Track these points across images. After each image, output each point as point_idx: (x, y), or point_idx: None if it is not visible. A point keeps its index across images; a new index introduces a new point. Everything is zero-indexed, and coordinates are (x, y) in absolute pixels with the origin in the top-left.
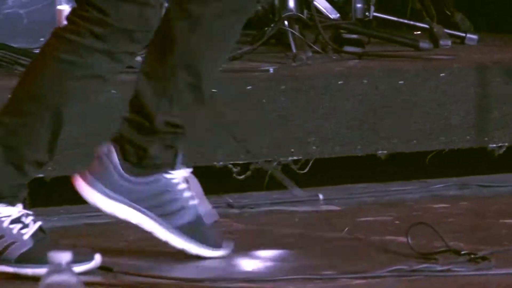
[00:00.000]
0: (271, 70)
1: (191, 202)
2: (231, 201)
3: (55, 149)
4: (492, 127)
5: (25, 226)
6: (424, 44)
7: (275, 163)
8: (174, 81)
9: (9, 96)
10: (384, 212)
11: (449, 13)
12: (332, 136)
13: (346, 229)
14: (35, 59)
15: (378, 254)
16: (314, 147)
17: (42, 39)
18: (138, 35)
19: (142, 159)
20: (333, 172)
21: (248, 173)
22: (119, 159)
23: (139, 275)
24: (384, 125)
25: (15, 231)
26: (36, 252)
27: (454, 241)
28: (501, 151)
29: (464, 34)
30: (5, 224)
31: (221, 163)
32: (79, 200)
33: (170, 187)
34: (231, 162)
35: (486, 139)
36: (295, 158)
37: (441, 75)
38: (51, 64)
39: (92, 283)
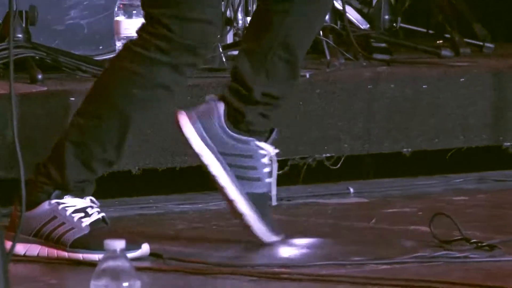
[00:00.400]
0: (308, 75)
1: (267, 180)
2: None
3: (123, 151)
4: (506, 127)
5: (87, 215)
6: (446, 52)
7: (310, 159)
8: (270, 56)
9: (84, 99)
10: (409, 204)
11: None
12: (362, 135)
13: (374, 219)
14: (107, 68)
15: (402, 242)
16: (345, 145)
17: (101, 47)
18: (199, 50)
19: (239, 123)
20: (363, 167)
21: (286, 168)
22: (223, 112)
23: (187, 261)
24: (409, 125)
25: (75, 219)
26: (90, 239)
27: (472, 230)
28: None
29: (482, 43)
30: (68, 212)
31: None
32: (132, 193)
33: (255, 154)
34: None
35: (501, 138)
36: (328, 155)
37: (461, 80)
38: (120, 73)
39: (144, 268)
